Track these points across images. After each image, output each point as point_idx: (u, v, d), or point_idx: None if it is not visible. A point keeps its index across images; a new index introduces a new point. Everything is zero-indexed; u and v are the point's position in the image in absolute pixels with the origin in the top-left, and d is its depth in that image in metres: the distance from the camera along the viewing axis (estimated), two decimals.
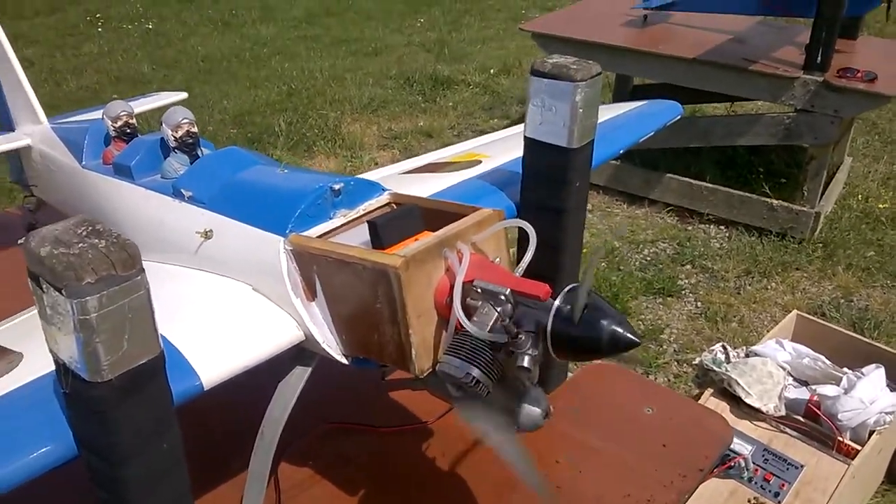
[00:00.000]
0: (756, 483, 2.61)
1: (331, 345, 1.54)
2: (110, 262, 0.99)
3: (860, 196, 5.18)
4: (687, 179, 5.03)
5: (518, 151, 2.19)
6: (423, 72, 7.31)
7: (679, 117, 2.61)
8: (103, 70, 7.56)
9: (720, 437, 2.10)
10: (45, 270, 1.00)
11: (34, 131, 2.50)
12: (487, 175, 2.11)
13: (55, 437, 1.23)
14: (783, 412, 2.89)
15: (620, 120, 2.49)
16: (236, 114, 6.41)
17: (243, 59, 7.80)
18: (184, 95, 2.95)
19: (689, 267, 4.60)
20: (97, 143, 2.14)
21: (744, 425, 2.86)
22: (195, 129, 1.90)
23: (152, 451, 1.14)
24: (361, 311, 1.44)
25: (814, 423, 2.82)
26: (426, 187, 2.03)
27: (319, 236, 1.57)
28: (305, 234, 1.56)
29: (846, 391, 2.87)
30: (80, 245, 1.00)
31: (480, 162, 2.24)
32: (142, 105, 2.75)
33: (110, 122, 2.10)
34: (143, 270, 1.03)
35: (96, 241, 1.01)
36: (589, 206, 4.96)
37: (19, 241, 1.06)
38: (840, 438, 2.71)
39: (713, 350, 3.29)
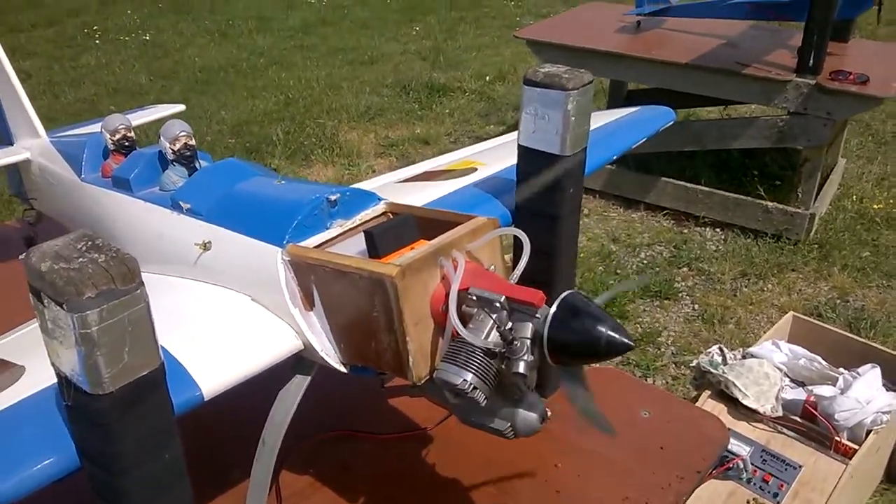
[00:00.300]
0: (755, 484, 2.62)
1: (329, 353, 1.56)
2: (110, 276, 1.01)
3: (854, 197, 5.21)
4: (682, 183, 5.05)
5: (512, 159, 2.22)
6: (419, 79, 7.35)
7: (672, 123, 2.63)
8: (101, 82, 7.58)
9: (717, 438, 2.12)
10: (45, 285, 1.02)
11: (33, 145, 2.52)
12: (482, 183, 2.13)
13: (57, 449, 1.25)
14: (780, 413, 2.91)
15: (613, 126, 2.52)
16: (234, 124, 6.44)
17: (240, 69, 7.82)
18: (181, 108, 2.97)
19: (685, 269, 4.62)
20: (96, 156, 2.17)
21: (741, 426, 2.88)
22: (193, 142, 1.92)
23: (154, 461, 1.16)
24: (359, 320, 1.46)
25: (811, 423, 2.83)
26: (422, 196, 2.05)
27: (316, 246, 1.59)
28: (303, 244, 1.58)
29: (842, 391, 2.89)
30: (80, 260, 1.02)
31: (476, 170, 2.26)
32: (139, 118, 2.77)
33: (108, 136, 2.12)
34: (142, 284, 1.05)
35: (96, 255, 1.03)
36: (585, 211, 4.99)
37: (20, 257, 1.08)
38: (837, 438, 2.73)
39: (710, 352, 3.31)
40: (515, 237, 1.50)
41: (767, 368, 3.08)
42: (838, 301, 4.29)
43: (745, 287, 4.43)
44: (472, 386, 1.32)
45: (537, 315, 1.33)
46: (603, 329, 1.27)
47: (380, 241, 1.50)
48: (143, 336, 1.07)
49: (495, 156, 2.39)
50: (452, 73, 7.58)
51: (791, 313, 3.52)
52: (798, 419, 2.87)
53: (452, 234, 1.48)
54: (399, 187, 2.24)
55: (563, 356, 1.32)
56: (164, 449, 1.17)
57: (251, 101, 6.99)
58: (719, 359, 3.25)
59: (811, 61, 4.44)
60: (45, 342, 1.11)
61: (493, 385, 1.35)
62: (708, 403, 3.01)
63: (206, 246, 1.69)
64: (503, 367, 1.35)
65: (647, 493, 1.85)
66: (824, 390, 2.91)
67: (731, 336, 4.06)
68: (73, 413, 1.16)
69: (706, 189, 4.97)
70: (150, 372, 1.10)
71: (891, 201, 5.12)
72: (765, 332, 3.93)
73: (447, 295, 1.40)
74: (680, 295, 4.38)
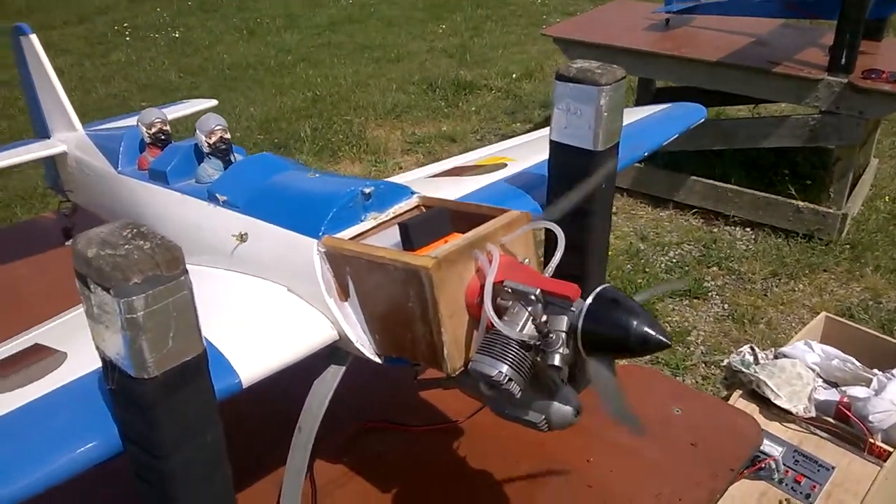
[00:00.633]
0: (787, 484, 2.59)
1: (364, 344, 1.58)
2: (155, 262, 1.03)
3: (887, 198, 5.13)
4: (712, 182, 5.01)
5: (542, 154, 2.22)
6: (446, 77, 7.36)
7: (703, 120, 2.61)
8: (131, 78, 7.69)
9: (750, 437, 2.10)
10: (92, 271, 1.04)
11: (69, 138, 2.56)
12: (513, 178, 2.13)
13: (100, 433, 1.27)
14: (813, 414, 2.88)
15: (644, 123, 2.50)
16: (263, 120, 6.49)
17: (268, 66, 7.89)
18: (214, 102, 3.01)
19: (715, 269, 4.58)
20: (132, 149, 2.20)
21: (773, 427, 2.85)
22: (228, 135, 1.95)
23: (196, 445, 1.18)
24: (394, 311, 1.47)
25: (844, 424, 2.80)
26: (453, 191, 2.06)
27: (351, 238, 1.60)
28: (338, 236, 1.59)
29: (877, 393, 2.85)
30: (126, 247, 1.04)
31: (506, 165, 2.26)
32: (174, 112, 2.80)
33: (145, 129, 2.15)
34: (186, 271, 1.07)
35: (141, 242, 1.04)
36: (613, 209, 4.97)
37: (67, 243, 1.10)
38: (871, 440, 2.69)
39: (741, 351, 3.28)
40: (549, 231, 1.49)
41: (800, 369, 3.05)
42: (871, 302, 4.23)
43: (776, 287, 4.39)
44: (507, 377, 1.32)
45: (572, 308, 1.33)
46: (638, 323, 1.27)
47: (414, 233, 1.51)
48: (187, 322, 1.09)
49: (525, 151, 2.39)
50: (479, 71, 7.58)
51: (823, 314, 3.48)
52: (831, 420, 2.84)
53: (487, 228, 1.48)
54: (429, 182, 2.24)
55: (597, 349, 1.32)
56: (206, 433, 1.19)
57: (279, 98, 7.04)
58: (751, 358, 3.22)
59: (843, 60, 4.38)
60: (91, 327, 1.13)
61: (527, 377, 1.35)
62: (739, 403, 2.99)
63: (242, 237, 1.71)
64: (538, 359, 1.35)
65: (680, 489, 1.84)
66: (858, 391, 2.88)
67: (762, 336, 4.02)
68: (117, 397, 1.18)
69: (736, 188, 4.93)
70: (193, 357, 1.12)
71: None
72: (796, 333, 3.89)
73: (482, 287, 1.40)
74: (710, 294, 4.35)
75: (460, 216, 1.60)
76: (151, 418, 1.13)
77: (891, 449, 2.66)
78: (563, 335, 1.32)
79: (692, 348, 3.92)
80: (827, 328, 3.44)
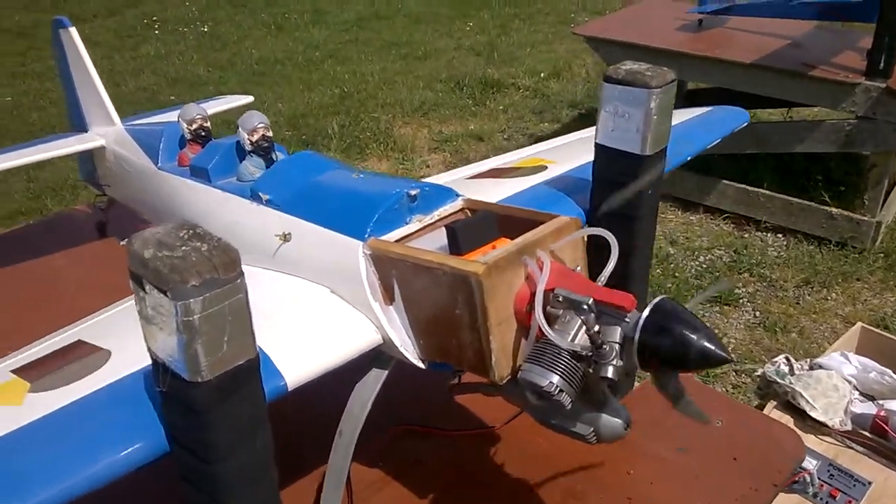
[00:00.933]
0: (822, 499, 2.55)
1: (408, 348, 1.56)
2: (213, 265, 1.01)
3: None
4: (744, 186, 4.94)
5: (584, 157, 2.19)
6: (473, 75, 7.32)
7: (746, 124, 2.57)
8: (160, 72, 7.73)
9: (792, 452, 2.06)
10: (149, 272, 1.03)
11: (108, 132, 2.56)
12: (555, 181, 2.11)
13: (146, 435, 1.26)
14: (849, 427, 2.83)
15: (686, 127, 2.47)
16: (290, 116, 6.49)
17: (296, 62, 7.89)
18: (250, 99, 3.01)
19: (746, 275, 4.51)
20: (172, 145, 2.19)
21: (808, 440, 2.80)
22: (270, 133, 1.93)
23: (246, 449, 1.17)
24: (440, 317, 1.45)
25: (881, 438, 2.75)
26: (493, 193, 2.03)
27: (396, 241, 1.58)
28: (383, 238, 1.57)
29: None
30: (184, 248, 1.02)
31: (546, 168, 2.23)
32: (211, 107, 2.80)
33: (185, 125, 2.15)
34: (242, 274, 1.05)
35: (198, 244, 1.03)
36: None
37: (122, 243, 1.08)
38: None
39: (776, 361, 3.23)
40: (602, 237, 1.46)
41: (836, 380, 3.00)
42: None
43: (808, 295, 4.32)
44: (558, 388, 1.30)
45: (627, 319, 1.30)
46: (698, 338, 1.24)
47: (462, 237, 1.49)
48: (242, 326, 1.07)
49: (564, 154, 2.36)
50: (506, 69, 7.54)
51: (859, 324, 3.42)
52: (867, 434, 2.79)
53: (537, 233, 1.46)
54: (468, 183, 2.22)
55: (653, 363, 1.29)
56: (256, 437, 1.18)
57: (307, 94, 7.04)
58: (786, 369, 3.18)
59: (881, 64, 4.29)
60: (143, 327, 1.12)
61: (578, 388, 1.33)
62: (774, 414, 2.94)
63: (285, 237, 1.69)
64: (590, 370, 1.33)
65: (721, 503, 1.80)
66: None
67: (794, 345, 3.96)
68: (168, 400, 1.17)
69: (768, 193, 4.85)
70: (246, 361, 1.10)
71: None
72: (829, 343, 3.83)
73: (532, 294, 1.38)
74: (741, 301, 4.28)
75: (507, 220, 1.58)
76: (204, 422, 1.11)
77: None
78: (617, 346, 1.30)
79: None
80: (863, 339, 3.39)
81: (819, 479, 2.59)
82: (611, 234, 1.44)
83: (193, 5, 9.93)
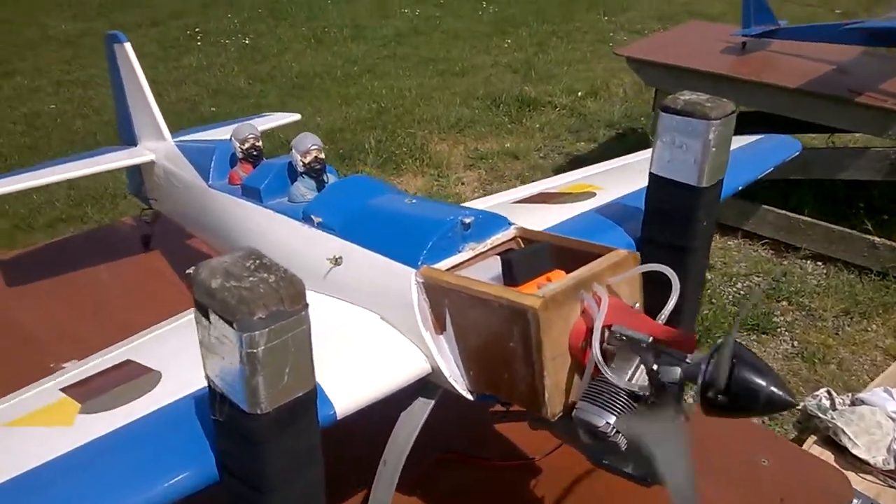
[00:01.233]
0: None
1: (457, 379, 1.54)
2: (280, 297, 1.01)
3: None
4: (784, 212, 4.86)
5: (632, 184, 2.16)
6: (510, 93, 7.31)
7: (798, 154, 2.53)
8: (202, 83, 7.82)
9: (839, 494, 2.01)
10: (215, 302, 1.02)
11: (158, 147, 2.59)
12: (605, 209, 2.08)
13: (196, 463, 1.25)
14: (892, 466, 2.77)
15: (737, 156, 2.42)
16: (328, 130, 6.53)
17: (335, 76, 7.95)
18: (297, 117, 3.03)
19: (784, 304, 4.43)
20: (223, 163, 2.21)
21: (850, 477, 2.73)
22: (323, 156, 1.94)
23: (300, 481, 1.16)
24: (493, 349, 1.43)
25: None
26: (541, 219, 2.01)
27: (449, 269, 1.57)
28: (436, 266, 1.56)
29: None
30: (251, 279, 1.02)
31: (594, 194, 2.21)
32: (260, 124, 2.82)
33: (238, 144, 2.16)
34: (307, 306, 1.05)
35: (266, 275, 1.03)
36: None
37: (187, 271, 1.08)
38: None
39: (818, 395, 3.17)
40: (662, 273, 1.43)
41: (880, 417, 2.93)
42: None
43: (848, 326, 4.23)
44: (614, 429, 1.27)
45: (688, 360, 1.28)
46: (765, 383, 1.21)
47: (517, 268, 1.47)
48: (304, 358, 1.07)
49: (613, 180, 2.34)
50: (543, 88, 7.52)
51: None
52: None
53: (594, 267, 1.44)
54: (515, 208, 2.21)
55: (716, 407, 1.26)
56: (310, 469, 1.17)
57: (345, 108, 7.09)
58: (827, 403, 3.12)
59: None
60: (203, 356, 1.12)
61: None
62: (814, 450, 2.89)
63: (337, 261, 1.69)
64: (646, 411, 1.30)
65: None
66: None
67: (833, 377, 3.87)
68: (223, 429, 1.16)
69: (809, 220, 4.77)
70: (305, 393, 1.10)
71: None
72: (869, 375, 3.74)
73: (588, 330, 1.36)
74: (779, 330, 4.20)
75: (562, 251, 1.56)
76: (260, 454, 1.11)
77: None
78: (677, 388, 1.27)
79: None
80: None
81: None
82: (671, 270, 1.41)
83: (235, 17, 10.06)
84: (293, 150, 1.94)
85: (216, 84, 7.77)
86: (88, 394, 1.48)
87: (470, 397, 1.55)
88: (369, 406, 1.49)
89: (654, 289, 1.50)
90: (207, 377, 1.14)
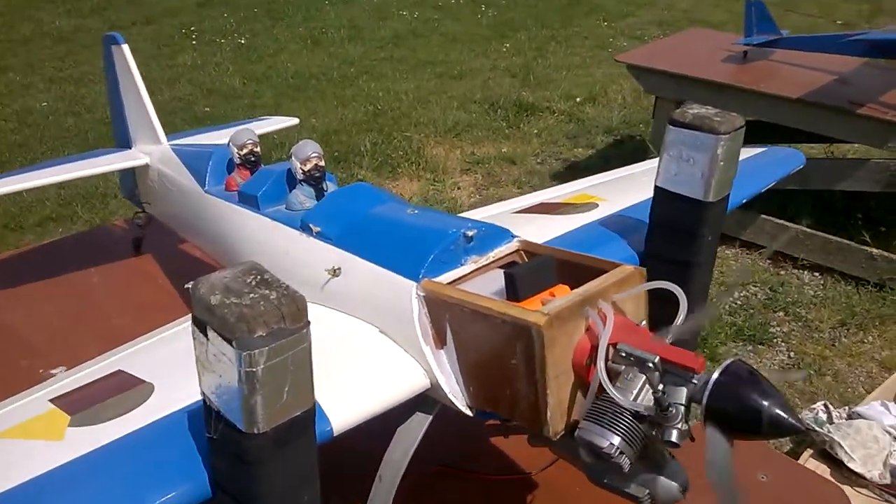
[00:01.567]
0: None
1: (457, 395, 1.51)
2: (281, 314, 0.98)
3: None
4: (782, 222, 4.86)
5: (635, 196, 2.14)
6: (508, 97, 7.29)
7: (802, 167, 2.51)
8: (196, 82, 7.77)
9: None
10: (214, 319, 0.99)
11: (153, 151, 2.55)
12: (607, 221, 2.06)
13: (189, 479, 1.22)
14: (888, 480, 2.75)
15: (741, 169, 2.40)
16: (324, 132, 6.49)
17: (331, 77, 7.90)
18: (295, 121, 3.00)
19: (781, 314, 4.42)
20: (220, 168, 2.18)
21: (846, 491, 2.72)
22: (323, 163, 1.90)
23: (296, 499, 1.12)
24: (494, 365, 1.40)
25: None
26: (544, 230, 1.99)
27: (450, 282, 1.54)
28: (437, 279, 1.53)
29: None
30: (252, 296, 0.99)
31: (597, 205, 2.19)
32: (257, 128, 2.78)
33: (236, 150, 2.13)
34: (309, 323, 1.02)
35: (267, 291, 1.00)
36: None
37: (186, 286, 1.05)
38: None
39: (814, 408, 3.16)
40: (669, 291, 1.40)
41: (877, 431, 2.92)
42: None
43: (844, 337, 4.22)
44: (618, 451, 1.25)
45: (694, 380, 1.25)
46: (769, 405, 1.18)
47: (521, 283, 1.45)
48: (303, 376, 1.04)
49: (615, 191, 2.32)
50: (541, 93, 7.50)
51: None
52: None
53: (599, 283, 1.41)
54: (515, 218, 2.18)
55: (721, 428, 1.23)
56: (306, 489, 1.14)
57: (341, 110, 7.05)
58: (824, 416, 3.10)
59: None
60: (199, 372, 1.09)
61: (638, 450, 1.27)
62: (810, 463, 2.87)
63: (335, 272, 1.66)
64: (651, 432, 1.27)
65: None
66: None
67: (829, 389, 3.86)
68: (218, 447, 1.13)
69: (807, 230, 4.76)
70: (303, 412, 1.06)
71: None
72: (864, 388, 3.73)
73: (593, 348, 1.33)
74: (775, 341, 4.19)
75: (565, 265, 1.54)
76: (255, 473, 1.07)
77: None
78: (682, 409, 1.24)
79: None
80: None
81: None
82: (679, 289, 1.38)
83: (231, 17, 10.00)
84: (292, 157, 1.91)
85: (210, 83, 7.72)
86: (78, 405, 1.44)
87: (469, 413, 1.52)
88: (370, 420, 1.46)
89: (657, 302, 1.48)
90: (203, 393, 1.10)
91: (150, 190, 2.58)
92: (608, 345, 1.32)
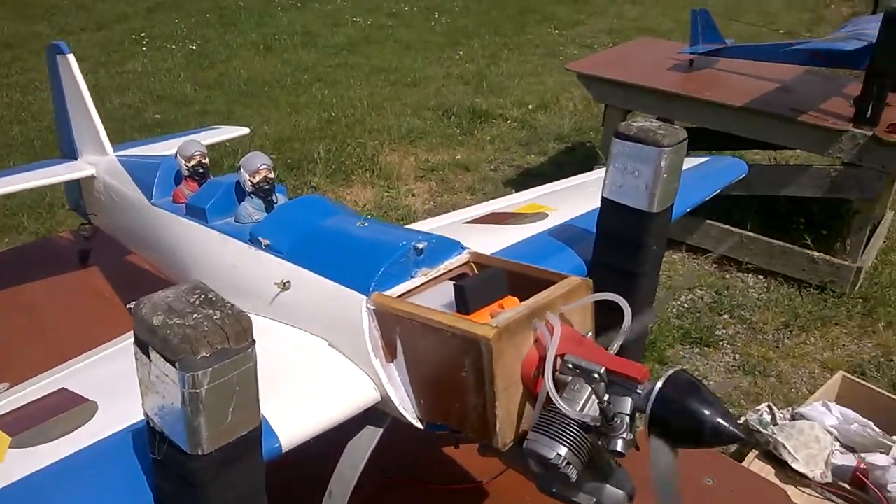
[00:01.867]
0: None
1: (407, 408, 1.52)
2: (225, 334, 0.97)
3: None
4: (727, 226, 4.97)
5: (584, 205, 2.17)
6: (462, 104, 7.33)
7: (744, 175, 2.58)
8: (146, 89, 7.63)
9: None
10: (157, 340, 0.98)
11: (99, 161, 2.50)
12: (557, 231, 2.09)
13: (133, 501, 1.21)
14: (829, 479, 2.84)
15: (686, 178, 2.46)
16: (276, 139, 6.44)
17: (284, 84, 7.84)
18: (245, 131, 2.97)
19: (726, 317, 4.52)
20: (168, 180, 2.14)
21: (789, 491, 2.79)
22: (272, 175, 1.89)
23: None
24: (445, 378, 1.42)
25: (860, 491, 2.76)
26: (494, 240, 2.01)
27: (400, 295, 1.55)
28: (388, 293, 1.54)
29: None
30: (195, 316, 0.98)
31: (547, 215, 2.22)
32: (207, 138, 2.75)
33: (184, 161, 2.10)
34: (254, 342, 1.01)
35: (210, 311, 0.99)
36: None
37: (128, 306, 1.04)
38: None
39: (759, 410, 3.23)
40: (611, 304, 1.43)
41: (818, 432, 3.01)
42: (882, 360, 4.17)
43: (788, 339, 4.33)
44: (565, 461, 1.27)
45: (638, 390, 1.28)
46: (711, 414, 1.21)
47: (470, 295, 1.46)
48: (249, 396, 1.03)
49: (564, 201, 2.35)
50: (494, 100, 7.56)
51: (841, 373, 3.44)
52: (847, 487, 2.80)
53: (547, 295, 1.43)
54: (466, 228, 2.20)
55: (664, 437, 1.26)
56: None
57: (294, 117, 7.00)
58: (768, 418, 3.17)
59: (869, 112, 4.34)
60: (143, 393, 1.07)
61: (585, 460, 1.29)
62: (755, 464, 2.94)
63: (284, 285, 1.65)
64: (598, 442, 1.30)
65: None
66: (877, 459, 2.84)
67: (773, 390, 3.96)
68: (162, 469, 1.12)
69: (751, 234, 4.88)
70: (249, 432, 1.06)
71: None
72: (807, 388, 3.83)
73: (541, 360, 1.35)
74: (721, 343, 4.28)
75: (515, 276, 1.55)
76: (200, 495, 1.06)
77: None
78: (628, 419, 1.27)
79: None
80: (843, 388, 3.41)
81: None
82: (624, 301, 1.41)
83: (182, 22, 9.86)
84: (241, 170, 1.89)
85: (161, 90, 7.59)
86: (20, 425, 1.41)
87: (420, 426, 1.53)
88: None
89: (605, 310, 1.50)
90: (146, 414, 1.09)
91: (96, 201, 2.53)
92: (556, 356, 1.34)
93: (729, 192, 4.95)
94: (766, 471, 2.86)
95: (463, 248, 1.69)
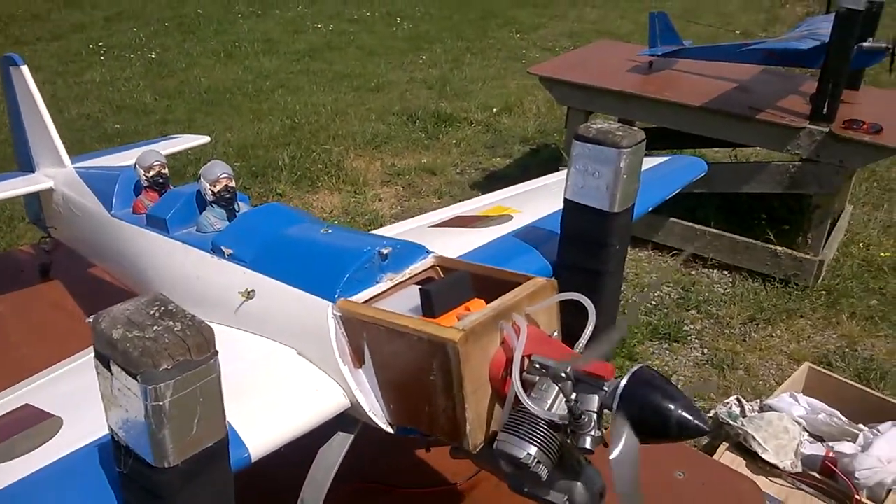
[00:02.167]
0: None
1: (377, 413, 1.51)
2: (186, 346, 0.96)
3: (861, 244, 5.20)
4: (691, 224, 5.04)
5: (548, 207, 2.19)
6: (426, 109, 7.34)
7: (704, 173, 2.62)
8: (105, 99, 7.52)
9: (750, 501, 2.08)
10: (117, 354, 0.97)
11: (57, 174, 2.46)
12: (522, 233, 2.10)
13: None
14: (799, 469, 2.88)
15: (647, 177, 2.48)
16: (240, 147, 6.38)
17: (246, 91, 7.78)
18: (206, 139, 2.94)
19: (693, 312, 4.58)
20: (127, 191, 2.12)
21: (760, 481, 2.83)
22: (233, 184, 1.88)
23: None
24: (413, 382, 1.42)
25: (830, 480, 2.81)
26: (459, 243, 2.01)
27: (366, 301, 1.54)
28: (353, 298, 1.53)
29: (863, 449, 2.86)
30: (155, 328, 0.97)
31: (511, 217, 2.23)
32: (167, 147, 2.72)
33: (143, 171, 2.07)
34: (216, 353, 1.00)
35: (171, 323, 0.98)
36: None
37: (87, 320, 1.02)
38: (857, 497, 2.70)
39: (728, 403, 3.28)
40: (578, 303, 1.45)
41: (787, 423, 3.05)
42: (847, 350, 4.26)
43: (754, 332, 4.40)
44: (535, 461, 1.27)
45: (605, 388, 1.29)
46: (676, 408, 1.23)
47: (436, 299, 1.46)
48: (213, 407, 1.02)
49: (528, 203, 2.36)
50: (459, 104, 7.58)
51: (806, 364, 3.50)
52: (817, 475, 2.84)
53: (513, 297, 1.44)
54: (432, 232, 2.20)
55: (630, 432, 1.27)
56: None
57: (257, 124, 6.94)
58: (737, 410, 3.22)
59: (825, 109, 4.44)
60: (106, 407, 1.06)
61: (555, 459, 1.30)
62: (726, 456, 2.98)
63: (249, 294, 1.64)
64: (567, 440, 1.31)
65: None
66: (845, 447, 2.89)
67: (741, 383, 4.02)
68: (128, 482, 1.10)
69: (715, 231, 4.95)
70: (215, 443, 1.05)
71: None
72: (775, 380, 3.89)
73: (508, 361, 1.36)
74: (689, 338, 4.34)
75: (480, 279, 1.56)
76: None
77: None
78: (595, 416, 1.28)
79: None
80: (810, 379, 3.46)
81: None
82: (588, 300, 1.42)
83: (140, 31, 9.73)
84: (201, 179, 1.88)
85: (120, 100, 7.48)
86: None
87: (390, 430, 1.53)
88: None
89: (571, 310, 1.51)
90: (110, 428, 1.07)
91: (55, 214, 2.49)
92: (522, 357, 1.35)
93: (691, 190, 5.03)
94: (738, 463, 2.90)
95: (428, 252, 1.69)
